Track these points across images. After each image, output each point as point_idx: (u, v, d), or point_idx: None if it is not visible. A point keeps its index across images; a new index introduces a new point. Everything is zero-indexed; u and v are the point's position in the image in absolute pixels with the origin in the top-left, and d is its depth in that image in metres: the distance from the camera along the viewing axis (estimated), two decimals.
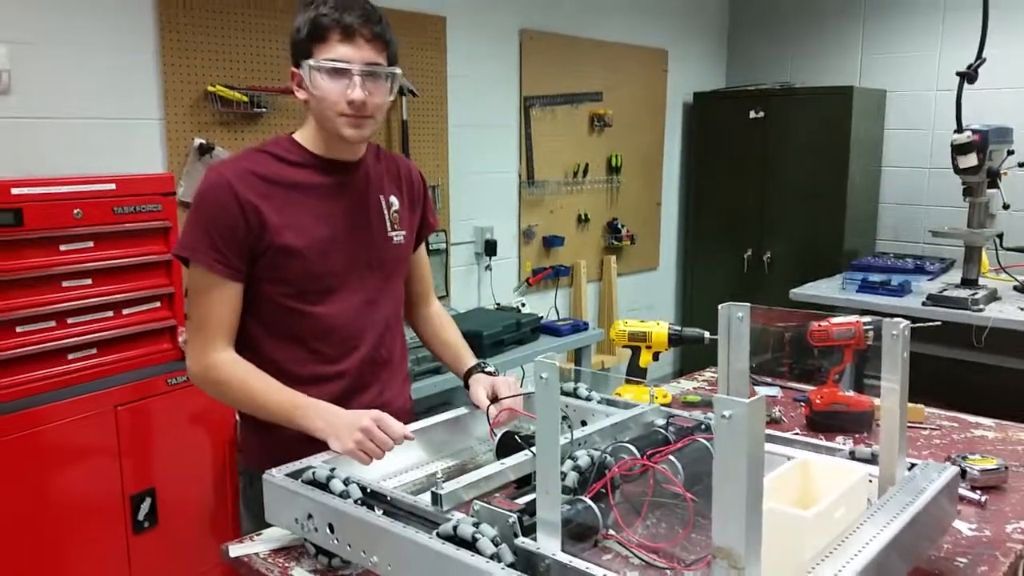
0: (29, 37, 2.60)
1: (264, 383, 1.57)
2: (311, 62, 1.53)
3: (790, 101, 4.99)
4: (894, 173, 5.09)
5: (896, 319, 1.35)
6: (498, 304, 4.17)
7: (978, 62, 3.37)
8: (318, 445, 1.51)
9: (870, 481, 1.36)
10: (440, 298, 3.92)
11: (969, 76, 3.39)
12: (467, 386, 1.76)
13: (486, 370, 1.76)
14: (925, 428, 2.02)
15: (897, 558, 1.16)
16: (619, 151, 4.90)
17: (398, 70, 1.61)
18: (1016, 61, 4.52)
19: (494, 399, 1.67)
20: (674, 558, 1.31)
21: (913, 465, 1.39)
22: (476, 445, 1.70)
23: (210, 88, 2.99)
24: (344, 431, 1.48)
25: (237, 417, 1.79)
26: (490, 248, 4.15)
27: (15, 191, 2.22)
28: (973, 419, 2.09)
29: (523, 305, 4.17)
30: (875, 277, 4.02)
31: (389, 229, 1.73)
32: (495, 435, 1.58)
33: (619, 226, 4.94)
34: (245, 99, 3.05)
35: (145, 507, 2.50)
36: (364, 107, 1.56)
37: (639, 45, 5.00)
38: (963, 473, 1.63)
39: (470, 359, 1.82)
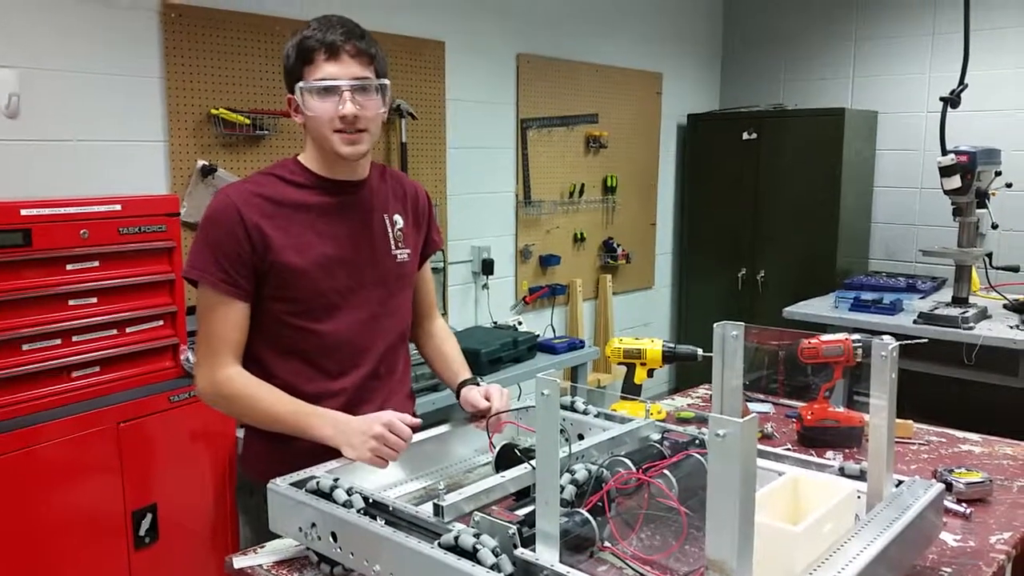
0: (38, 62, 2.65)
1: (272, 395, 1.62)
2: (301, 84, 1.59)
3: (783, 123, 5.07)
4: (886, 193, 5.16)
5: (885, 339, 1.38)
6: (495, 322, 4.21)
7: (960, 87, 3.44)
8: (324, 457, 1.55)
9: (858, 497, 1.40)
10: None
11: (952, 101, 3.46)
12: (458, 397, 1.82)
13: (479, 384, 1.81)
14: (914, 443, 2.07)
15: (884, 571, 1.20)
16: (614, 172, 4.97)
17: (387, 81, 1.65)
18: (1004, 83, 4.61)
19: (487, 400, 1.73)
20: (668, 570, 1.34)
21: (900, 482, 1.42)
22: (474, 456, 1.74)
23: (213, 111, 3.04)
24: (357, 440, 1.53)
25: (239, 433, 1.83)
26: (487, 267, 4.19)
27: (24, 212, 2.27)
28: (961, 434, 2.14)
29: (520, 323, 4.22)
30: (867, 296, 4.07)
31: (393, 247, 1.78)
32: (494, 448, 1.62)
33: (614, 245, 4.99)
34: (247, 122, 3.10)
35: (146, 523, 2.53)
36: (356, 121, 1.61)
37: (634, 68, 5.07)
38: (949, 486, 1.67)
39: (465, 374, 1.87)
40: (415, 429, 1.60)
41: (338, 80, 1.58)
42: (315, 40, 1.58)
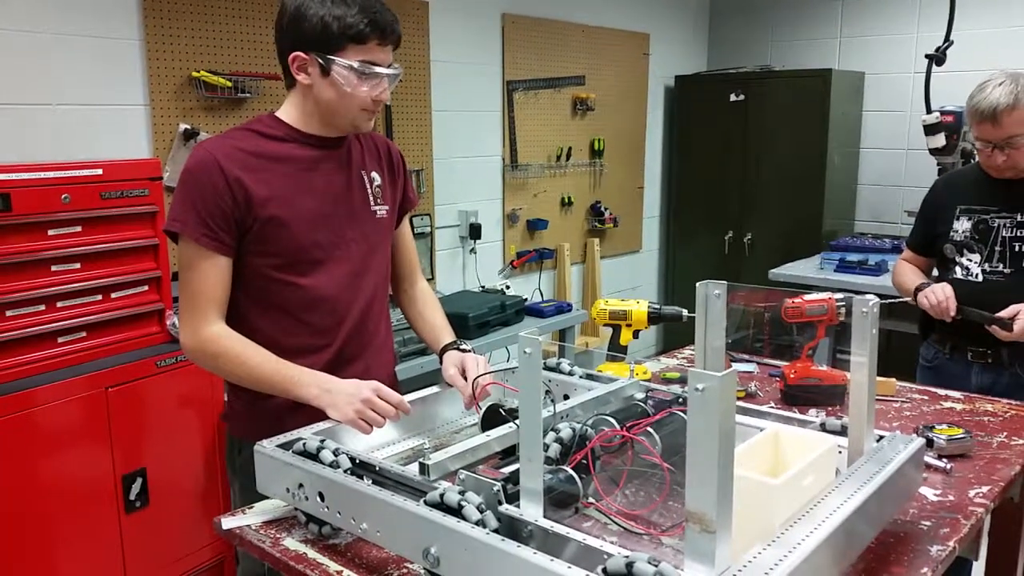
0: (14, 23, 2.60)
1: (259, 355, 1.62)
2: (354, 63, 1.58)
3: (770, 84, 5.05)
4: (872, 154, 5.16)
5: (867, 296, 1.39)
6: (483, 286, 4.22)
7: (946, 45, 3.44)
8: (304, 413, 1.56)
9: (839, 452, 1.41)
10: (426, 281, 3.96)
11: (937, 58, 3.46)
12: (441, 361, 1.82)
13: (460, 348, 1.81)
14: (896, 401, 2.09)
15: (864, 524, 1.22)
16: (601, 135, 4.94)
17: (401, 68, 1.69)
18: (993, 42, 4.59)
19: (463, 375, 1.72)
20: (652, 525, 1.36)
21: (881, 437, 1.44)
22: (461, 418, 1.75)
23: (194, 74, 3.00)
24: (343, 401, 1.54)
25: (227, 397, 1.83)
26: (475, 231, 4.19)
27: (2, 176, 2.24)
28: (943, 392, 2.16)
29: (508, 287, 4.22)
30: (852, 257, 4.09)
31: (372, 203, 1.78)
32: (480, 408, 1.63)
33: (602, 209, 4.98)
34: (229, 84, 3.07)
35: (136, 487, 2.54)
36: (381, 103, 1.66)
37: (621, 29, 5.03)
38: (930, 442, 1.69)
39: (447, 337, 1.87)
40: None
41: (383, 68, 1.63)
42: (371, 25, 1.58)
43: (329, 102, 1.64)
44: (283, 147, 1.67)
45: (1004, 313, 2.23)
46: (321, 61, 1.59)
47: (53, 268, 2.39)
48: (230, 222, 1.59)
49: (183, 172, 1.62)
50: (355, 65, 1.59)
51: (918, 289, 2.43)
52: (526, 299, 3.96)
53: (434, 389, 1.75)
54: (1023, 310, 2.21)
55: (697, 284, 1.51)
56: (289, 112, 1.70)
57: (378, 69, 1.61)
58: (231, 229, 1.60)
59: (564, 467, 1.29)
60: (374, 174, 1.80)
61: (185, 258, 1.62)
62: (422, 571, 1.21)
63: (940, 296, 2.34)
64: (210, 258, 1.60)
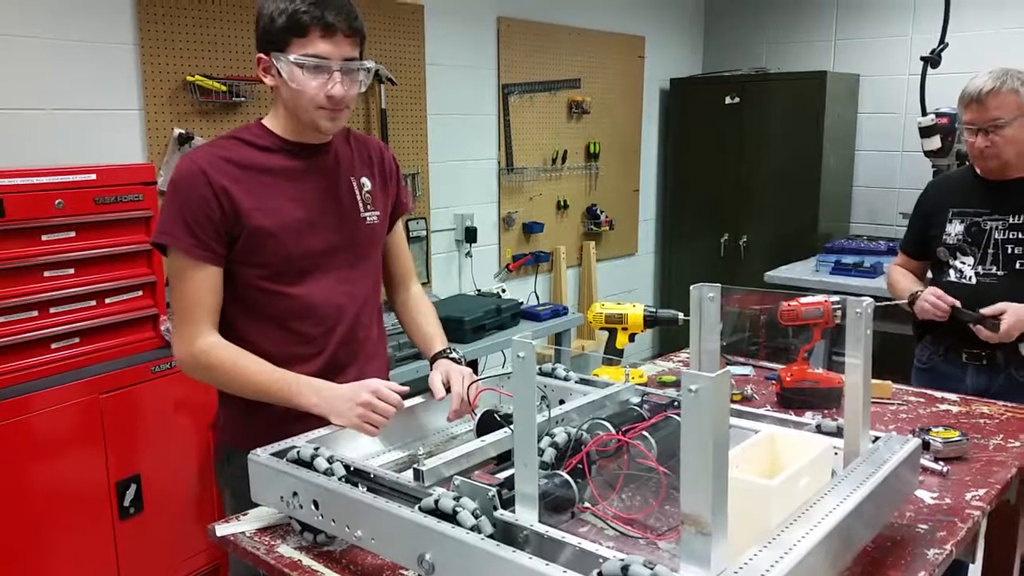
0: (7, 28, 2.59)
1: (255, 365, 1.61)
2: (291, 57, 1.55)
3: (765, 86, 5.05)
4: (867, 157, 5.16)
5: (861, 298, 1.39)
6: (479, 290, 4.21)
7: (941, 47, 3.45)
8: (299, 423, 1.55)
9: (835, 453, 1.41)
10: (422, 285, 3.96)
11: (932, 60, 3.47)
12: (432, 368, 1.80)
13: (451, 356, 1.79)
14: (893, 403, 2.09)
15: (860, 525, 1.22)
16: (597, 138, 4.94)
17: (371, 64, 1.64)
18: (988, 44, 4.59)
19: (448, 386, 1.70)
20: (648, 529, 1.36)
21: (877, 438, 1.44)
22: (456, 425, 1.74)
23: (189, 78, 3.00)
24: (344, 407, 1.53)
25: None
26: (470, 235, 4.18)
27: None
28: (939, 394, 2.16)
29: (503, 291, 4.22)
30: (848, 259, 4.09)
31: (362, 210, 1.76)
32: (475, 414, 1.63)
33: (598, 212, 4.98)
34: (224, 88, 3.06)
35: (131, 493, 2.53)
36: (341, 101, 1.60)
37: (616, 32, 5.03)
38: (926, 445, 1.69)
39: (439, 344, 1.85)
40: (403, 396, 1.60)
41: (331, 60, 1.56)
42: (312, 16, 1.53)
43: (287, 102, 1.62)
44: (269, 157, 1.65)
45: (988, 310, 2.24)
46: (272, 60, 1.57)
47: (46, 274, 2.39)
48: (219, 231, 1.58)
49: (169, 184, 1.61)
50: (294, 59, 1.54)
51: (912, 298, 2.44)
52: (522, 303, 3.95)
53: (429, 396, 1.74)
54: (1008, 309, 2.21)
55: (691, 287, 1.51)
56: (274, 120, 1.68)
57: (321, 62, 1.55)
58: (220, 238, 1.59)
59: (560, 472, 1.28)
60: (364, 180, 1.78)
61: (175, 270, 1.61)
62: None
63: (931, 298, 2.36)
64: (201, 269, 1.59)
